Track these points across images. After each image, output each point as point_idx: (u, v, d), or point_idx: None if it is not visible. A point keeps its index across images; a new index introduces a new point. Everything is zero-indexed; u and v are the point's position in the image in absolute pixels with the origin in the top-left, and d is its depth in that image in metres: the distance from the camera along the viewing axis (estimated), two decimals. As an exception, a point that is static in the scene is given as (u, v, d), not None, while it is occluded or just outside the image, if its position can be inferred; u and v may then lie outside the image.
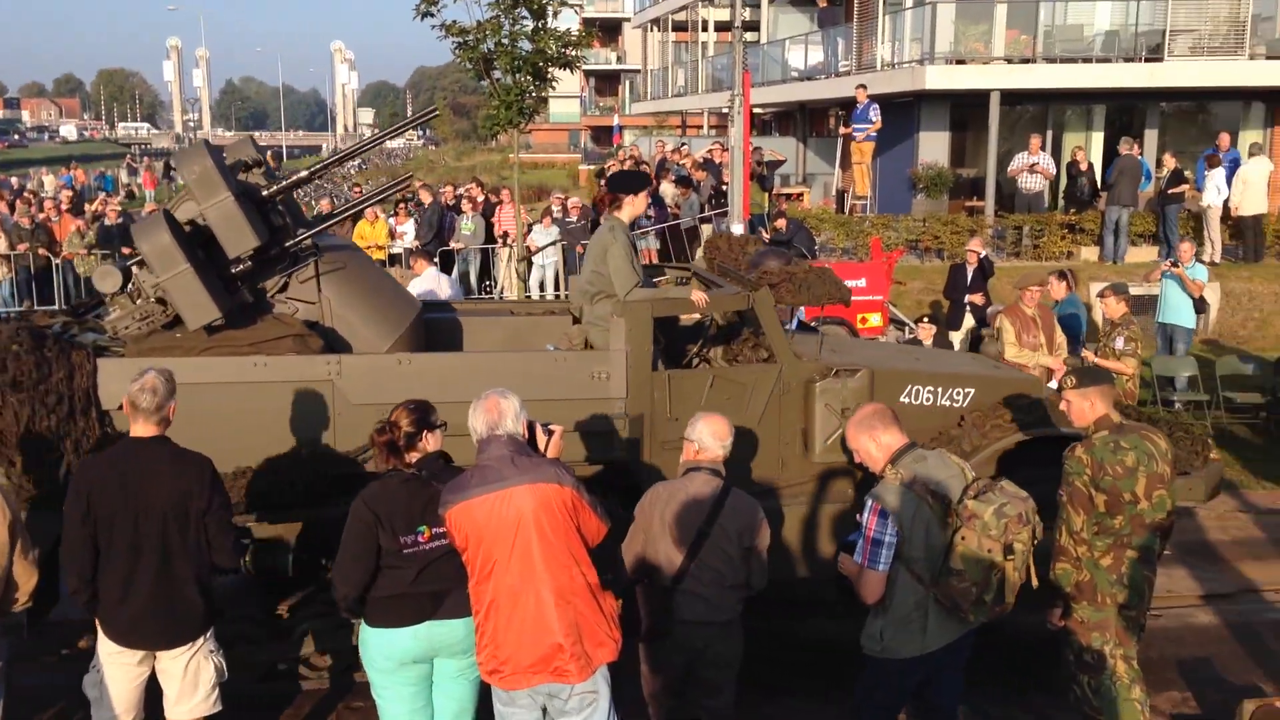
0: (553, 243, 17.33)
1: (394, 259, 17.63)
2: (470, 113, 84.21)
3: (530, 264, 17.26)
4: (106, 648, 4.78)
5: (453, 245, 17.48)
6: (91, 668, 4.88)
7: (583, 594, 4.30)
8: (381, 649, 4.52)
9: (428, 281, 11.53)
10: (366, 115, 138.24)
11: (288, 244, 6.36)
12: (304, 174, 6.90)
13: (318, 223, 6.98)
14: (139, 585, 4.64)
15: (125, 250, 17.26)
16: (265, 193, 6.37)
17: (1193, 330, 13.07)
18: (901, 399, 6.60)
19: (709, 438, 4.93)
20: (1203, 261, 14.24)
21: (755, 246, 7.87)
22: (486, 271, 17.64)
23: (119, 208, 19.60)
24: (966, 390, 6.76)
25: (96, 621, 4.79)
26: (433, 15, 15.75)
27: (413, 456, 4.55)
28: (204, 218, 6.04)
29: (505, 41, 15.75)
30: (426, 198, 18.89)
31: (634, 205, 6.51)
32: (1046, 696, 6.14)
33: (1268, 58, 20.59)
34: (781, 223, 16.60)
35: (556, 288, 17.31)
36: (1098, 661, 5.16)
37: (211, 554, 4.74)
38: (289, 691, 6.31)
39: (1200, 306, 12.88)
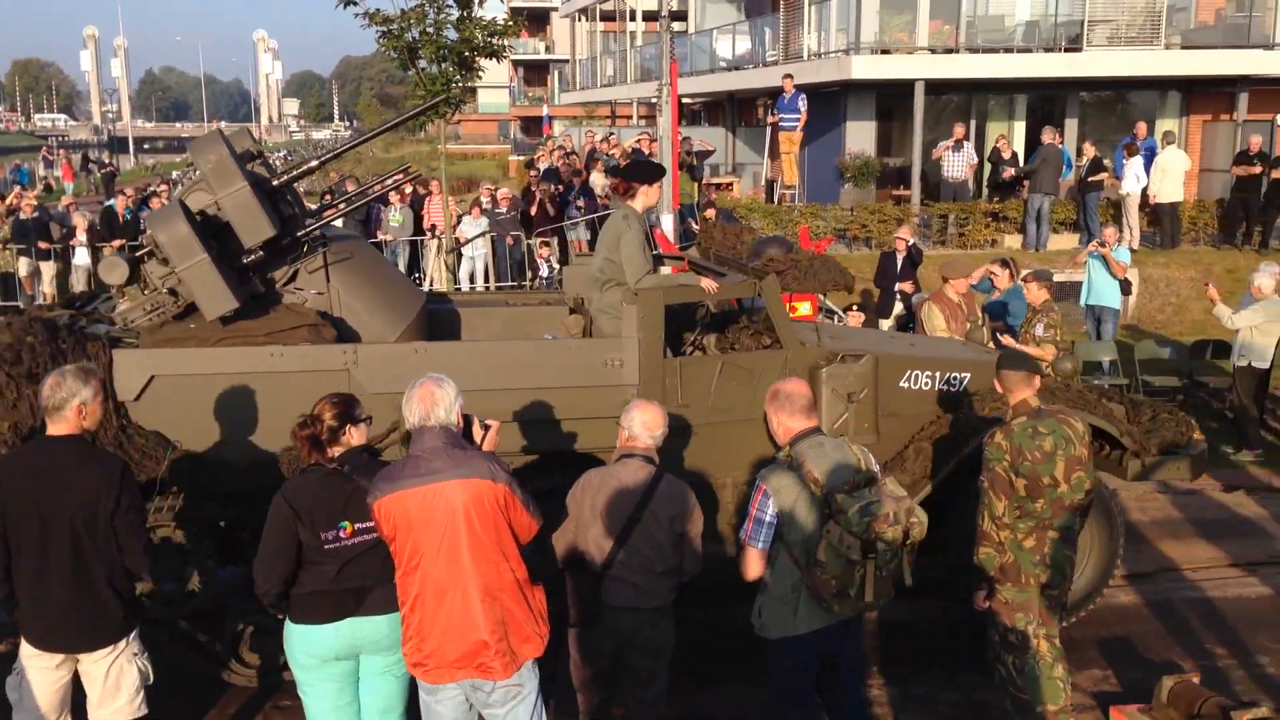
0: (482, 234, 17.21)
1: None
2: (398, 103, 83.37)
3: (459, 256, 17.13)
4: (26, 650, 4.68)
5: (381, 237, 17.29)
6: (13, 670, 4.79)
7: (511, 590, 4.28)
8: (304, 646, 4.47)
9: None
10: (292, 106, 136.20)
11: (299, 234, 6.38)
12: (314, 164, 6.92)
13: (325, 211, 7.01)
14: (50, 586, 4.54)
15: (39, 243, 16.85)
16: (275, 182, 6.39)
17: (1119, 311, 13.35)
18: (901, 384, 6.74)
19: (639, 427, 4.92)
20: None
21: (750, 236, 7.94)
22: (415, 263, 17.48)
23: (35, 201, 19.05)
24: (963, 374, 6.93)
25: (17, 623, 4.69)
26: (356, 3, 15.54)
27: (335, 451, 4.49)
28: (218, 207, 6.04)
29: (430, 30, 15.60)
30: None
31: (648, 195, 6.51)
32: (973, 676, 6.24)
33: (1183, 48, 21.08)
34: (710, 212, 16.65)
35: (486, 280, 17.21)
36: (1021, 641, 5.25)
37: (122, 557, 4.64)
38: (217, 690, 6.23)
39: (1125, 288, 13.15)
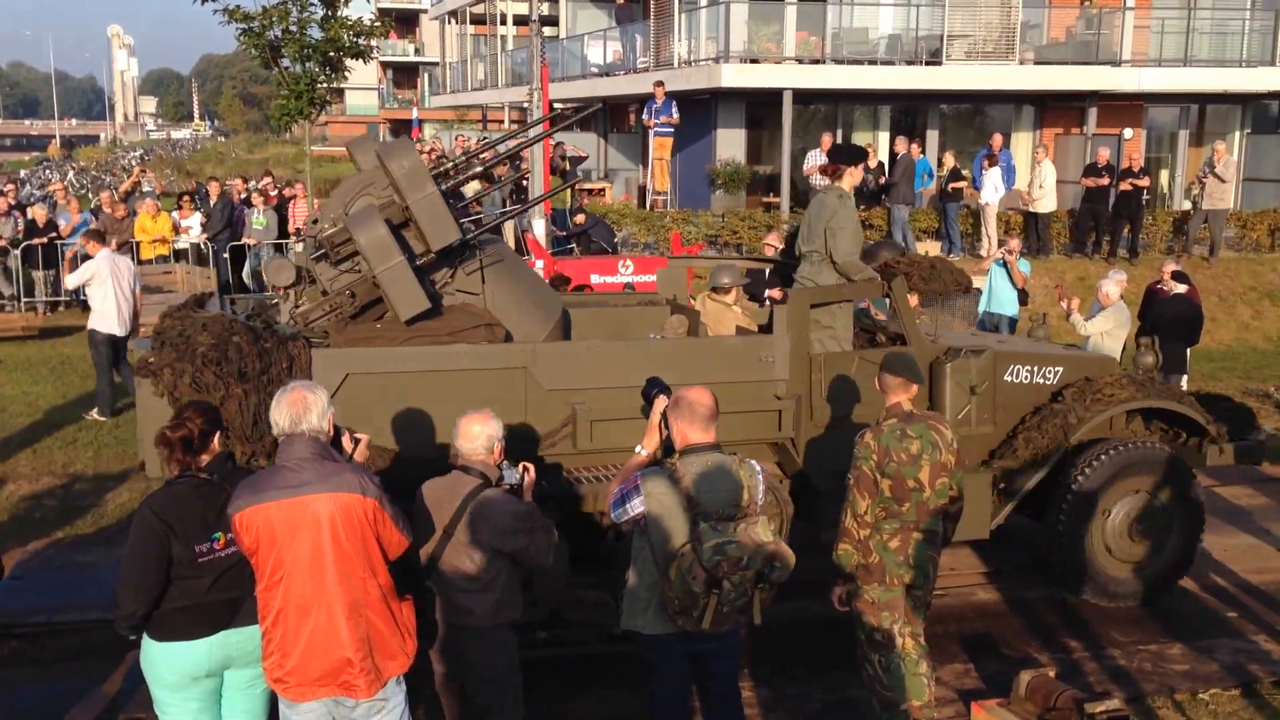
0: (349, 238, 16.89)
1: (179, 254, 16.86)
2: (261, 103, 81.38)
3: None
4: None
5: (245, 240, 16.83)
6: None
7: (377, 606, 4.16)
8: (171, 664, 4.26)
9: (100, 263, 11.18)
10: (149, 104, 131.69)
11: (468, 236, 6.53)
12: (479, 169, 7.18)
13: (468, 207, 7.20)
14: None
15: None
16: (444, 186, 6.52)
17: (1016, 320, 13.70)
18: (1005, 377, 7.19)
19: (459, 438, 4.76)
20: (979, 255, 14.96)
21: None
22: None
23: None
24: (1057, 369, 7.43)
25: None
26: (215, -1, 15.13)
27: (204, 458, 4.32)
28: (407, 211, 6.26)
29: (293, 29, 15.29)
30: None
31: (853, 175, 7.06)
32: (842, 674, 6.33)
33: (1036, 63, 21.88)
34: (581, 217, 16.65)
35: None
36: (887, 640, 5.34)
37: None
38: (60, 706, 5.97)
39: (1023, 298, 13.52)
